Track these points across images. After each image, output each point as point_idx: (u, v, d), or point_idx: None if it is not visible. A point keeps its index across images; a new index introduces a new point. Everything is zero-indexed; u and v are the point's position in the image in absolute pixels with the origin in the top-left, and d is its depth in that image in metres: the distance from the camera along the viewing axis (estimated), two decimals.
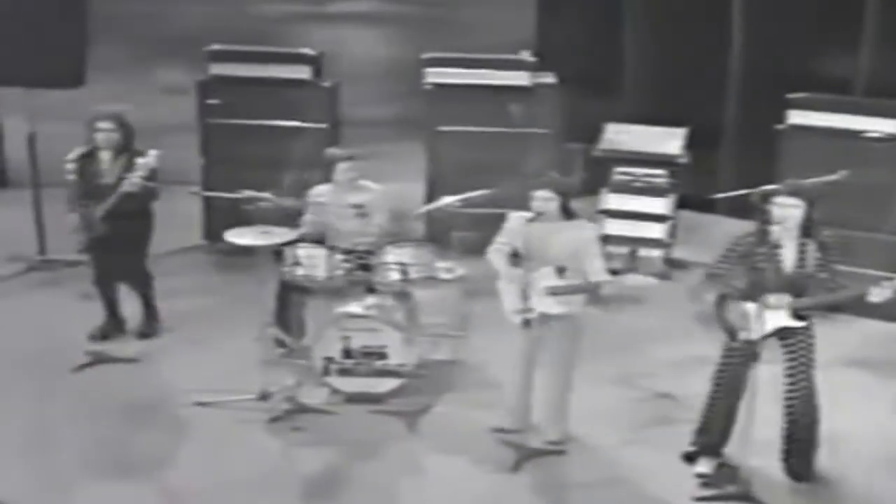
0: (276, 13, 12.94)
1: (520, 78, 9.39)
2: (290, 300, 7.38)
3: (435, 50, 9.79)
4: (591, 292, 6.38)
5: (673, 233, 9.35)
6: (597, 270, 6.31)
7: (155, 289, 7.93)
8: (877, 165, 8.32)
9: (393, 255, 7.07)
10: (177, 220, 8.53)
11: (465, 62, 9.45)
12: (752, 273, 6.07)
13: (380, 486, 6.17)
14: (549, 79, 9.59)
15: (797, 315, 6.01)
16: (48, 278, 8.69)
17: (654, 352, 7.82)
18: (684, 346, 7.76)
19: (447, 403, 7.04)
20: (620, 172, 9.32)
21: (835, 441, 6.51)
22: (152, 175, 7.44)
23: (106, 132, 7.53)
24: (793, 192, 5.95)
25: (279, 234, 6.92)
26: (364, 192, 7.46)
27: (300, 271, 6.98)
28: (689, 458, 6.42)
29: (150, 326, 7.91)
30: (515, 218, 6.55)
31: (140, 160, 7.43)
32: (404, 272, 6.97)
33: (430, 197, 9.06)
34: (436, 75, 9.40)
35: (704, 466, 6.33)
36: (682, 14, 10.48)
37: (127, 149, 7.58)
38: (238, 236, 6.87)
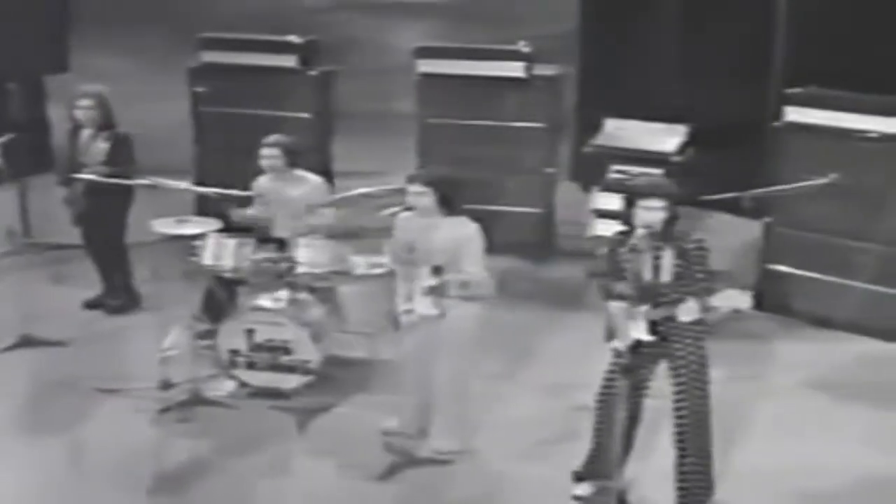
0: (323, 2, 13.00)
1: (515, 69, 9.01)
2: (215, 290, 7.29)
3: (477, 41, 9.52)
4: (465, 292, 5.96)
5: None
6: (472, 272, 5.93)
7: (128, 267, 8.01)
8: (872, 168, 7.59)
9: (302, 248, 6.86)
10: (172, 208, 8.59)
11: (458, 52, 9.13)
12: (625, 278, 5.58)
13: (235, 485, 5.98)
14: (549, 70, 9.18)
15: (654, 329, 5.48)
16: (25, 261, 8.75)
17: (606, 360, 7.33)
18: None
19: (353, 404, 6.78)
20: (615, 171, 8.81)
21: (761, 473, 6.06)
22: (116, 156, 7.54)
23: (85, 109, 7.70)
24: (655, 194, 5.42)
25: (197, 224, 6.87)
26: (302, 184, 7.28)
27: (207, 261, 6.88)
28: (579, 477, 5.97)
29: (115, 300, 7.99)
30: (401, 216, 6.23)
31: (101, 144, 7.56)
32: (291, 268, 6.75)
33: None
34: (427, 66, 9.12)
35: (582, 489, 5.86)
36: (724, 9, 9.95)
37: (106, 126, 7.72)
38: (162, 226, 6.86)
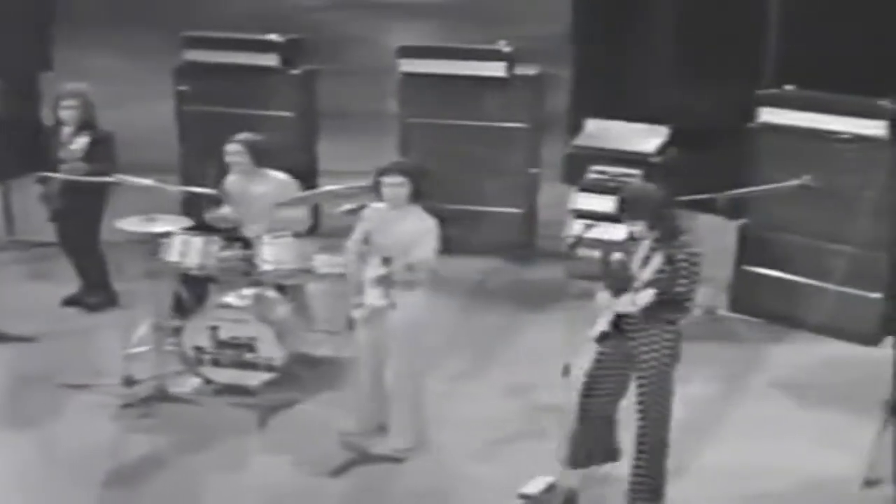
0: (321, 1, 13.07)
1: (496, 69, 9.01)
2: (187, 288, 7.33)
3: (475, 40, 9.53)
4: (409, 276, 5.95)
5: None
6: (417, 255, 5.97)
7: (104, 265, 8.05)
8: (844, 169, 7.55)
9: (266, 246, 6.89)
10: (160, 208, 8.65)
11: (440, 52, 9.14)
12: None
13: (189, 479, 6.04)
14: (531, 70, 9.17)
15: (618, 325, 5.51)
16: (6, 258, 8.95)
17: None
18: None
19: (317, 401, 6.82)
20: (595, 171, 8.79)
21: (714, 473, 6.08)
22: (94, 155, 7.61)
23: (69, 109, 7.76)
24: (627, 214, 5.51)
25: (164, 222, 6.93)
26: (267, 182, 7.28)
27: (173, 258, 6.93)
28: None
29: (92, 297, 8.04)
30: (370, 208, 6.27)
31: (80, 142, 7.63)
32: (252, 265, 6.79)
33: None
34: (409, 65, 9.13)
35: (531, 486, 5.86)
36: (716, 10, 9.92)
37: (87, 125, 7.78)
38: (128, 224, 6.93)
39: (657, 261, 5.48)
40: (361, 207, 6.09)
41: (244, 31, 9.76)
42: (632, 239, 5.64)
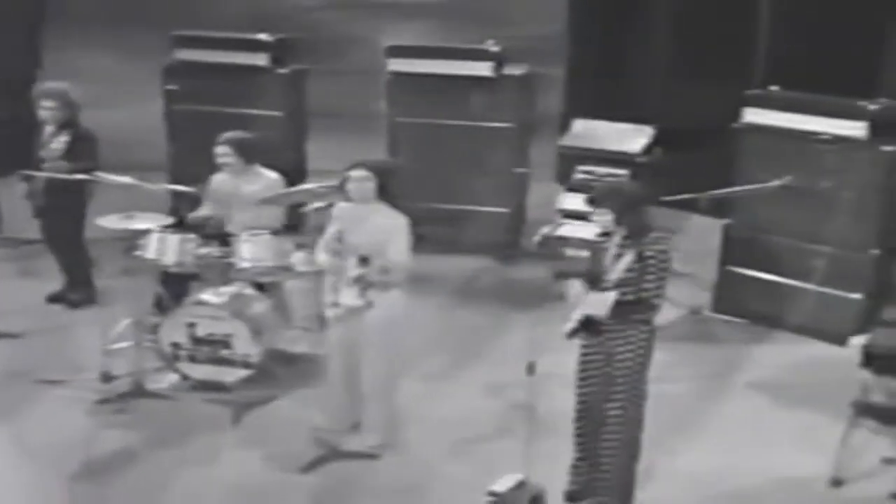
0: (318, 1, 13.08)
1: (483, 69, 9.02)
2: (167, 286, 7.36)
3: (472, 41, 9.55)
4: (384, 278, 5.97)
5: None
6: (392, 259, 5.97)
7: (88, 262, 8.08)
8: (825, 170, 7.53)
9: (244, 244, 6.90)
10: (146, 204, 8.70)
11: (428, 52, 9.16)
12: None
13: (158, 474, 6.05)
14: (518, 70, 9.17)
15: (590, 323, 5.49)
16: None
17: (562, 360, 7.22)
18: None
19: (292, 398, 6.83)
20: (582, 171, 8.79)
21: (687, 474, 6.08)
22: (75, 153, 7.63)
23: (50, 110, 7.77)
24: (596, 203, 5.51)
25: (144, 219, 6.96)
26: (257, 181, 7.31)
27: (149, 255, 6.95)
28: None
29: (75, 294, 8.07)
30: (338, 207, 6.27)
31: (61, 141, 7.67)
32: (228, 264, 6.81)
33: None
34: (397, 65, 9.16)
35: (499, 484, 5.82)
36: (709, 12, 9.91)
37: (69, 124, 7.79)
38: (106, 221, 6.96)
39: (627, 259, 5.48)
40: (330, 206, 6.10)
41: (241, 31, 9.79)
42: (606, 235, 5.65)
